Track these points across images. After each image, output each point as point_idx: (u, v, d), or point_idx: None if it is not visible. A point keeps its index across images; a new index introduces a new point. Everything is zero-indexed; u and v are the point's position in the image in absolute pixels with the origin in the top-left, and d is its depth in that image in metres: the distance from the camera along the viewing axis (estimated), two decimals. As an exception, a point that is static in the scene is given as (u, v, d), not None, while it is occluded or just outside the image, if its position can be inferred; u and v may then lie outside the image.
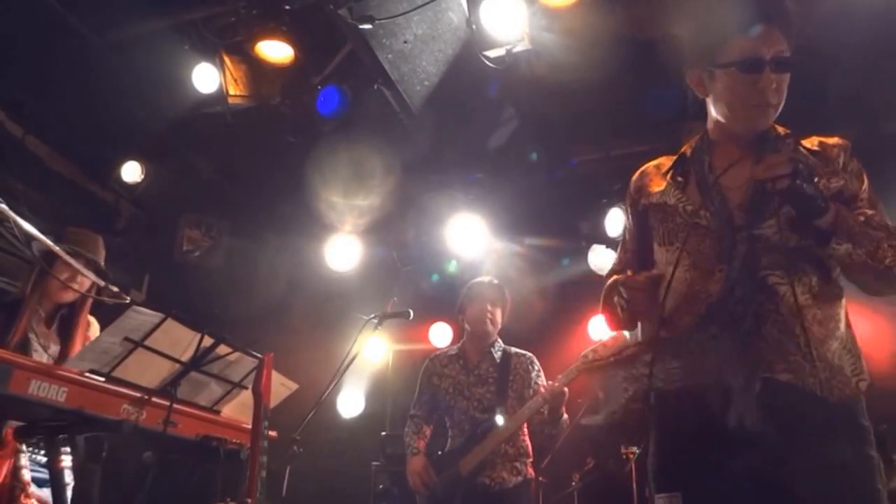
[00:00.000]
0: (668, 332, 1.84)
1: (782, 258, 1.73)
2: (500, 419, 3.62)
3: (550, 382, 3.61)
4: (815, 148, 1.85)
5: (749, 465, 1.62)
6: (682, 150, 2.00)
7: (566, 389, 3.53)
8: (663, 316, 1.87)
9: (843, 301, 1.79)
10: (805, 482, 1.60)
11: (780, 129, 1.89)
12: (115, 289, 2.45)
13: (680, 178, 1.93)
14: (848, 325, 1.78)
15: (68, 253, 2.70)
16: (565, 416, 3.63)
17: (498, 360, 3.80)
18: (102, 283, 2.46)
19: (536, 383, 3.74)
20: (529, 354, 3.88)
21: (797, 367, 1.67)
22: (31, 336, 2.84)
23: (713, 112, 1.91)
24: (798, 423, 1.63)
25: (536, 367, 3.82)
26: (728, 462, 1.63)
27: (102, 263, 3.02)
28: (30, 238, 2.16)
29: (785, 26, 1.79)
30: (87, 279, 2.78)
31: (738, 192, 1.82)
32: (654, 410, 1.86)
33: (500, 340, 3.90)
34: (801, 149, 1.85)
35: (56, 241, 2.63)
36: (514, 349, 3.89)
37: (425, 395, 3.91)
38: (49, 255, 2.48)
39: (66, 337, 2.94)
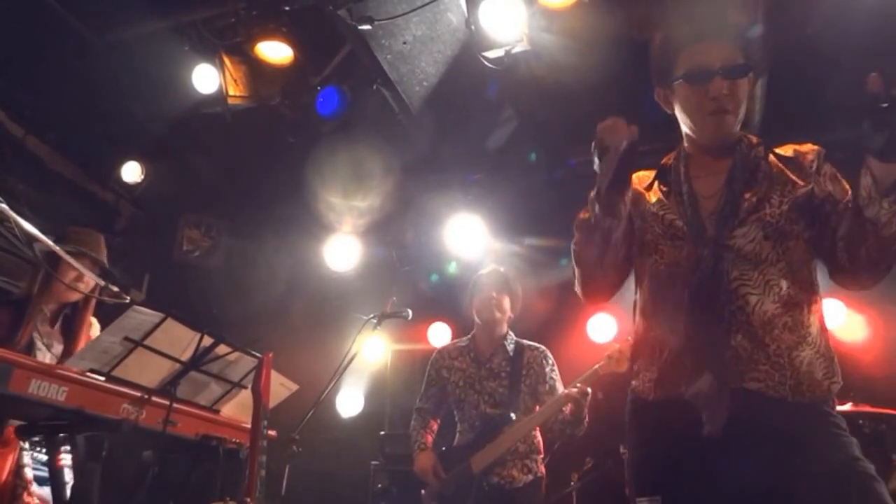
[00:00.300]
0: (643, 342, 1.90)
1: (752, 267, 1.75)
2: (513, 415, 3.50)
3: (579, 386, 3.47)
4: (789, 154, 1.88)
5: (728, 471, 1.65)
6: (662, 161, 2.03)
7: (589, 390, 3.43)
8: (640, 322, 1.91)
9: (818, 305, 1.80)
10: (783, 484, 1.62)
11: (753, 138, 1.92)
12: (115, 288, 2.47)
13: (664, 188, 1.96)
14: (822, 329, 1.79)
15: (72, 253, 2.71)
16: (586, 416, 3.50)
17: (511, 354, 3.67)
18: (104, 283, 2.48)
19: (552, 378, 3.62)
20: (543, 348, 3.74)
21: (766, 375, 1.70)
22: (35, 335, 2.85)
23: (682, 126, 1.96)
24: (768, 429, 1.66)
25: (550, 362, 3.69)
26: (707, 468, 1.67)
27: (106, 262, 3.03)
28: (33, 240, 2.16)
29: (731, 37, 1.84)
30: (91, 279, 2.79)
31: (712, 201, 1.85)
32: (631, 416, 1.90)
33: (511, 333, 3.77)
34: (773, 156, 1.88)
35: (58, 241, 2.64)
36: (526, 342, 3.75)
37: (433, 387, 3.79)
38: (53, 257, 2.48)
39: (69, 336, 2.95)
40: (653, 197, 1.97)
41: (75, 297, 2.94)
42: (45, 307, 2.91)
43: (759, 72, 1.94)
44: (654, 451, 1.81)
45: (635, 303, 2.00)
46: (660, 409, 1.80)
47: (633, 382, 1.91)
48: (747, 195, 1.81)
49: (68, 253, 2.62)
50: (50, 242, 2.23)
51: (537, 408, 3.59)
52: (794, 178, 1.82)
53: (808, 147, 1.89)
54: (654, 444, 1.80)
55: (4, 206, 2.00)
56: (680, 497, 1.71)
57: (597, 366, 3.54)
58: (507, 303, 3.74)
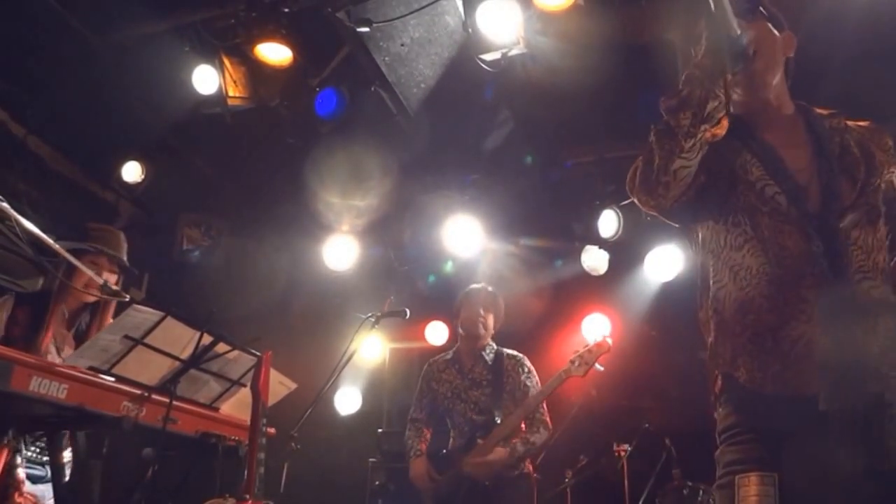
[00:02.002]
0: (738, 324, 1.67)
1: (866, 257, 1.61)
2: (498, 419, 3.73)
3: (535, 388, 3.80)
4: (869, 130, 1.78)
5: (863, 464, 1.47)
6: (716, 131, 1.75)
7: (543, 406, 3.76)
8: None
9: None
10: None
11: (821, 111, 1.82)
12: (116, 287, 2.49)
13: (749, 153, 1.72)
14: None
15: (93, 251, 2.74)
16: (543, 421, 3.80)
17: (490, 363, 3.90)
18: (102, 282, 2.49)
19: (526, 385, 3.83)
20: (520, 356, 3.95)
21: None
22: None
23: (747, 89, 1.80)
24: None
25: (526, 368, 3.90)
26: (836, 456, 1.48)
27: (126, 260, 3.04)
28: (44, 245, 2.17)
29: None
30: (110, 279, 2.81)
31: (805, 174, 1.67)
32: (735, 407, 1.66)
33: (492, 343, 3.98)
34: (854, 131, 1.76)
35: (79, 239, 2.66)
36: (506, 350, 3.96)
37: (425, 398, 4.03)
38: (67, 262, 2.47)
39: (82, 340, 2.91)
40: (738, 157, 1.74)
41: (94, 298, 2.92)
42: (65, 308, 2.90)
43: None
44: (775, 436, 1.56)
45: (708, 273, 1.78)
46: (781, 404, 1.57)
47: (722, 366, 1.68)
48: (850, 175, 1.68)
49: (87, 252, 2.65)
50: (63, 251, 2.24)
51: None
52: (882, 158, 1.72)
53: (881, 128, 1.80)
54: (775, 432, 1.56)
55: (22, 219, 2.02)
56: (802, 479, 1.48)
57: (561, 371, 3.78)
58: (491, 320, 3.98)
